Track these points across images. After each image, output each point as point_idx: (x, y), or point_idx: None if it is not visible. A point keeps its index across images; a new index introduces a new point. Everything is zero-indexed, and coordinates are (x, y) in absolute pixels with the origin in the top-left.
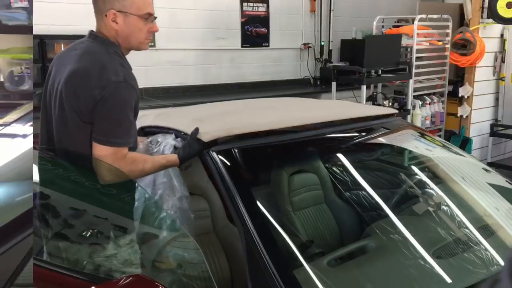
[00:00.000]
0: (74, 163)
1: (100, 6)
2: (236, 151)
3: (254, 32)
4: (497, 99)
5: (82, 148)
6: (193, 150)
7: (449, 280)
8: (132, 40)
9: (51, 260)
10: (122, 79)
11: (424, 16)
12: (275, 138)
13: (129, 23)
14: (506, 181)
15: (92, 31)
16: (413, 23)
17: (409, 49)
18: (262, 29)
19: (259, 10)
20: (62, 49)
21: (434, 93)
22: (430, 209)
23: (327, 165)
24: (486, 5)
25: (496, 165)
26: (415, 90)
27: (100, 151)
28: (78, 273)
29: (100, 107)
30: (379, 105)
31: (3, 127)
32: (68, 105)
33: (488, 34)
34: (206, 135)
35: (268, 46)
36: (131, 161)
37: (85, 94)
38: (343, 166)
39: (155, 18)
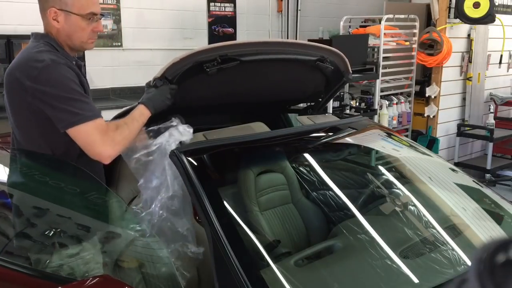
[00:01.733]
0: (36, 162)
1: (42, 3)
2: (203, 151)
3: (221, 32)
4: (464, 99)
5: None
6: (159, 90)
7: (416, 280)
8: (74, 39)
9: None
10: (49, 61)
11: (391, 16)
12: (242, 138)
13: (71, 22)
14: (473, 181)
15: (33, 32)
16: (380, 23)
17: (376, 49)
18: (229, 29)
19: (226, 10)
20: None
21: (401, 93)
22: (397, 209)
23: (294, 165)
24: (453, 5)
25: (463, 165)
26: (382, 90)
27: (79, 132)
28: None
29: (42, 94)
30: (346, 105)
31: None
32: (12, 109)
33: (455, 34)
34: None
35: None
36: (114, 127)
37: (19, 92)
38: (310, 166)
39: (102, 16)
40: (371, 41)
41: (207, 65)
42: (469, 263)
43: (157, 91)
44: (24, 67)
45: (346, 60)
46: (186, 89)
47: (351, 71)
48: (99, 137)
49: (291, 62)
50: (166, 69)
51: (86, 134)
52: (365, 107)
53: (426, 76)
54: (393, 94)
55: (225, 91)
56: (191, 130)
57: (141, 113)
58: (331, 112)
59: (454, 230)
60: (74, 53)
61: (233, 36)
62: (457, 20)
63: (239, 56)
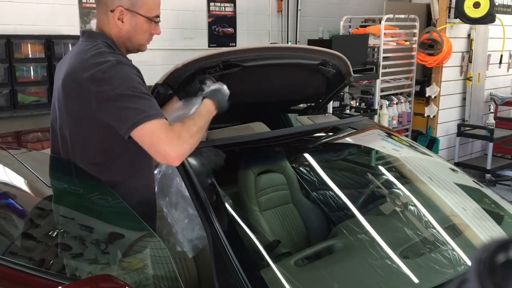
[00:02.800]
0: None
1: (107, 1)
2: (203, 151)
3: (221, 32)
4: (464, 99)
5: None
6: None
7: (416, 280)
8: (134, 41)
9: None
10: (114, 62)
11: (391, 16)
12: (242, 138)
13: (136, 24)
14: (473, 181)
15: (84, 30)
16: (380, 23)
17: (376, 49)
18: (229, 29)
19: (226, 10)
20: (29, 49)
21: (401, 93)
22: (397, 209)
23: (294, 165)
24: (453, 5)
25: (463, 165)
26: (382, 90)
27: (144, 131)
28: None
29: (107, 96)
30: (346, 105)
31: None
32: (71, 118)
33: (455, 34)
34: None
35: (235, 46)
36: (180, 125)
37: (83, 99)
38: (310, 166)
39: (160, 20)
40: (371, 41)
41: (209, 71)
42: (469, 263)
43: (218, 87)
44: (88, 70)
45: (348, 62)
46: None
47: (352, 74)
48: (165, 135)
49: (293, 66)
50: (168, 75)
51: (151, 133)
52: (365, 107)
53: (426, 76)
54: (393, 94)
55: None
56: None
57: (208, 109)
58: (331, 112)
59: (454, 230)
60: (128, 54)
61: (233, 36)
62: (457, 20)
63: (241, 62)
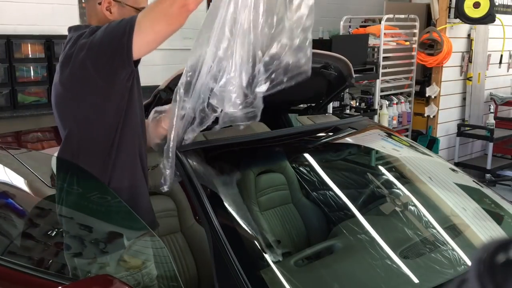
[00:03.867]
0: None
1: None
2: (203, 150)
3: None
4: (464, 99)
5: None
6: None
7: (416, 280)
8: None
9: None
10: (94, 27)
11: (391, 16)
12: (242, 138)
13: (124, 15)
14: (473, 181)
15: (71, 26)
16: (380, 23)
17: (376, 49)
18: None
19: None
20: (29, 49)
21: (401, 93)
22: (397, 209)
23: (294, 165)
24: (453, 5)
25: (463, 165)
26: (382, 90)
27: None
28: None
29: (92, 39)
30: (346, 105)
31: None
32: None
33: (455, 34)
34: None
35: None
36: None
37: (74, 63)
38: (310, 166)
39: None
40: (371, 41)
41: None
42: (469, 263)
43: None
44: (74, 43)
45: (350, 65)
46: None
47: (354, 76)
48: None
49: None
50: (170, 81)
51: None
52: (365, 107)
53: (426, 76)
54: (393, 94)
55: None
56: None
57: None
58: (331, 112)
59: (454, 230)
60: None
61: None
62: (457, 20)
63: None
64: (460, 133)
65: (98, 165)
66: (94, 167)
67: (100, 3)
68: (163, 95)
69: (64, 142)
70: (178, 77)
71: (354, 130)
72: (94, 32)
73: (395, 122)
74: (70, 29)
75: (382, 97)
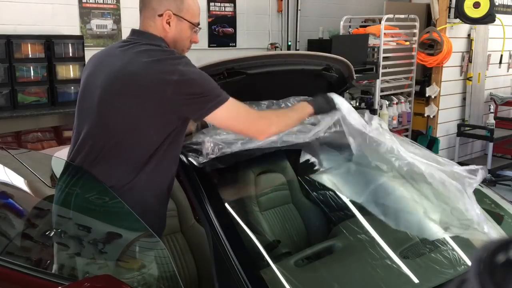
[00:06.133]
0: None
1: (155, 5)
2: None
3: (221, 32)
4: (464, 99)
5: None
6: (329, 105)
7: (416, 280)
8: (178, 46)
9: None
10: (187, 60)
11: (391, 16)
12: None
13: (181, 29)
14: None
15: (141, 31)
16: (380, 23)
17: (376, 49)
18: (229, 29)
19: (226, 10)
20: (29, 49)
21: (401, 93)
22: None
23: (294, 165)
24: (453, 5)
25: (463, 165)
26: (382, 90)
27: (228, 108)
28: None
29: (186, 86)
30: None
31: None
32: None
33: (455, 34)
34: None
35: (235, 46)
36: (262, 112)
37: (160, 86)
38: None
39: (200, 29)
40: (371, 41)
41: (213, 78)
42: (469, 263)
43: (323, 95)
44: (167, 61)
45: (351, 67)
46: None
47: (355, 77)
48: (245, 113)
49: (297, 72)
50: None
51: (237, 109)
52: (365, 107)
53: (426, 76)
54: (393, 94)
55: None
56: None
57: (303, 106)
58: None
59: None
60: None
61: (233, 36)
62: (457, 20)
63: (245, 69)
64: (460, 133)
65: (127, 168)
66: (123, 168)
67: (160, 15)
68: None
69: (91, 143)
70: None
71: None
72: (181, 64)
73: (395, 122)
74: (141, 33)
75: (382, 97)
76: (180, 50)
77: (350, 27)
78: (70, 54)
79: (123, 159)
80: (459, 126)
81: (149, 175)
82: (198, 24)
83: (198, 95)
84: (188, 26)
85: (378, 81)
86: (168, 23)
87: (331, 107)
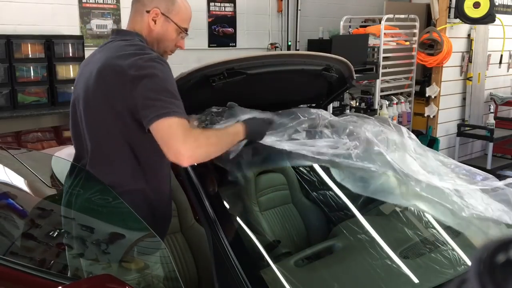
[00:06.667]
0: None
1: (145, 1)
2: None
3: (221, 32)
4: (464, 99)
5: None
6: (263, 128)
7: (416, 280)
8: (161, 46)
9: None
10: (155, 56)
11: (391, 16)
12: None
13: (166, 29)
14: None
15: (119, 29)
16: (380, 23)
17: (376, 49)
18: (229, 29)
19: (226, 10)
20: (29, 49)
21: (401, 93)
22: (397, 209)
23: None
24: (453, 5)
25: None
26: (382, 90)
27: (163, 125)
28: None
29: (142, 81)
30: (346, 105)
31: None
32: (105, 103)
33: (455, 34)
34: None
35: (235, 46)
36: (200, 131)
37: (120, 81)
38: (310, 166)
39: (187, 35)
40: (371, 41)
41: (213, 79)
42: (469, 263)
43: (260, 119)
44: (129, 58)
45: (351, 67)
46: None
47: (355, 77)
48: (181, 133)
49: (297, 72)
50: None
51: (169, 128)
52: (365, 107)
53: (426, 76)
54: (393, 94)
55: (228, 98)
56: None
57: (237, 131)
58: (331, 111)
59: (454, 230)
60: None
61: (233, 36)
62: (457, 20)
63: (245, 69)
64: (460, 133)
65: (129, 169)
66: (125, 170)
67: (148, 11)
68: None
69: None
70: (180, 80)
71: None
72: (150, 59)
73: (395, 122)
74: (119, 32)
75: (382, 97)
76: (162, 51)
77: (350, 27)
78: (70, 54)
79: (110, 160)
80: (459, 126)
81: (140, 173)
82: (186, 30)
83: (152, 97)
84: (175, 29)
85: (378, 81)
86: (154, 21)
87: (264, 133)
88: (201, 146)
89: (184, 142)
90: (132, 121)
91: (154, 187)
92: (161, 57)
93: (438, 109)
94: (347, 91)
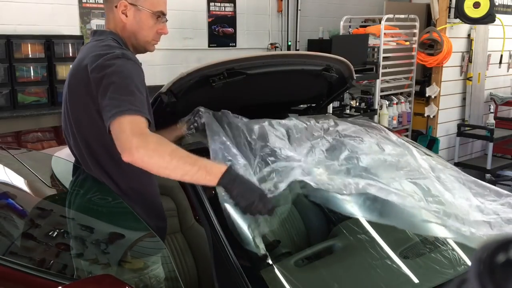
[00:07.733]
0: None
1: None
2: (204, 151)
3: (221, 32)
4: (464, 99)
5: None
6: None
7: (416, 280)
8: (140, 38)
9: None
10: (119, 54)
11: (391, 16)
12: None
13: (140, 18)
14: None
15: (96, 30)
16: (380, 23)
17: (376, 49)
18: (229, 29)
19: (226, 10)
20: (29, 49)
21: (401, 93)
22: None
23: None
24: (453, 5)
25: (463, 165)
26: (382, 90)
27: (114, 125)
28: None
29: (102, 82)
30: (346, 105)
31: None
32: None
33: (455, 34)
34: None
35: (235, 46)
36: (158, 138)
37: (86, 84)
38: None
39: (166, 20)
40: (371, 41)
41: (213, 79)
42: (469, 263)
43: (250, 182)
44: (92, 58)
45: (351, 67)
46: (190, 99)
47: (355, 78)
48: (129, 129)
49: (297, 72)
50: (172, 84)
51: (119, 126)
52: (365, 107)
53: (426, 76)
54: (393, 94)
55: (228, 98)
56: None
57: (212, 170)
58: (331, 112)
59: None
60: (136, 53)
61: (233, 36)
62: (457, 20)
63: (245, 70)
64: (460, 133)
65: (115, 168)
66: (113, 169)
67: (116, 6)
68: (165, 98)
69: (86, 147)
70: (180, 80)
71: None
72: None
73: (395, 122)
74: (95, 32)
75: (382, 97)
76: (143, 42)
77: (350, 27)
78: (70, 54)
79: (94, 164)
80: (459, 126)
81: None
82: (162, 13)
83: (110, 96)
84: (149, 16)
85: (378, 81)
86: (125, 14)
87: (243, 199)
88: (147, 148)
89: (128, 137)
90: (104, 124)
91: (139, 191)
92: (128, 54)
93: (438, 109)
94: (347, 91)
